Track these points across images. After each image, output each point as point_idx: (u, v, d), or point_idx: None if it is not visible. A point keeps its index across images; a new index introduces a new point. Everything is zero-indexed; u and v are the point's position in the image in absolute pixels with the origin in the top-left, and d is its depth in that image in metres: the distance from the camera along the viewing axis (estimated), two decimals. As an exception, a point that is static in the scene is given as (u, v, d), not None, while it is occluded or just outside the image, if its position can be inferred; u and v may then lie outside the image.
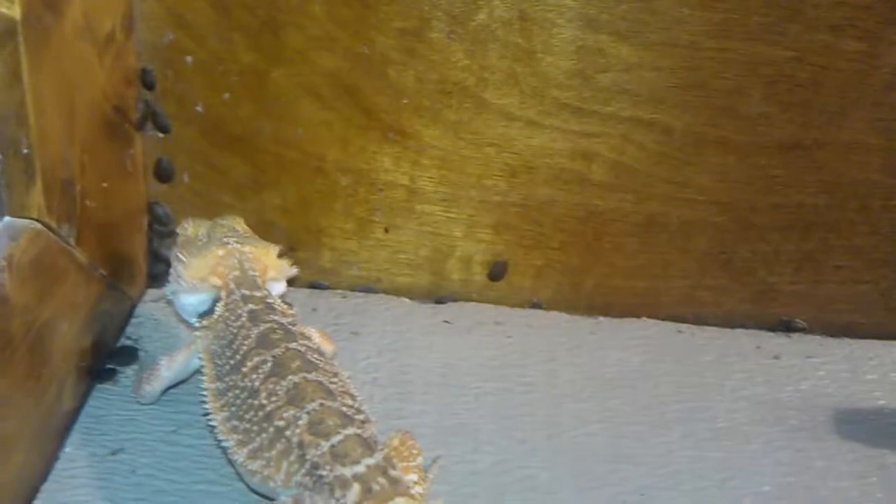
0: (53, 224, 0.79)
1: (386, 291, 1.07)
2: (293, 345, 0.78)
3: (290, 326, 0.80)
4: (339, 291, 1.07)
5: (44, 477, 0.80)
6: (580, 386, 0.98)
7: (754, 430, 0.94)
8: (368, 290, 1.07)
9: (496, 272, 1.06)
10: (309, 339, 0.81)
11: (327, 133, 0.99)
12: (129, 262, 0.99)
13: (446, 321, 1.05)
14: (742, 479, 0.88)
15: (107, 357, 0.92)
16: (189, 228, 0.89)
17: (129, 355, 0.93)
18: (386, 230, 1.04)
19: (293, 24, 0.94)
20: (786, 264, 1.05)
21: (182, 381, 0.87)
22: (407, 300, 1.07)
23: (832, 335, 1.08)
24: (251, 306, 0.81)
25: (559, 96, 0.97)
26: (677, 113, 0.98)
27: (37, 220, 0.77)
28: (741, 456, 0.91)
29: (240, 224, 0.91)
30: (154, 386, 0.86)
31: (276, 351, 0.77)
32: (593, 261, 1.06)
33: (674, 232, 1.04)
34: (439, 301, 1.07)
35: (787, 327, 1.09)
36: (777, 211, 1.03)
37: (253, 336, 0.78)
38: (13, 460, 0.74)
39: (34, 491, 0.79)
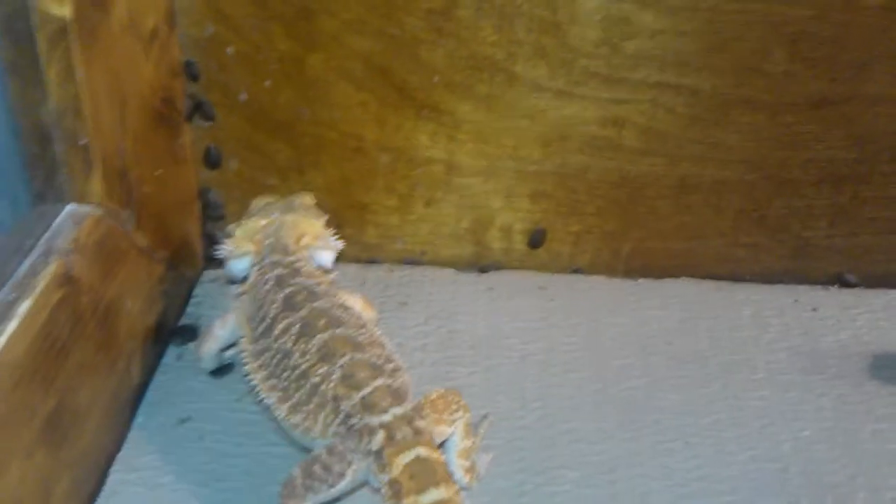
0: (113, 209, 0.84)
1: (430, 263, 1.10)
2: (317, 304, 0.81)
3: (314, 287, 0.84)
4: (385, 265, 1.10)
5: (118, 446, 0.85)
6: (622, 344, 1.01)
7: (793, 379, 0.96)
8: (414, 262, 1.10)
9: (536, 240, 1.09)
10: (334, 296, 0.84)
11: (364, 113, 1.02)
12: (186, 245, 1.04)
13: (490, 288, 1.08)
14: (782, 426, 0.91)
15: (169, 334, 0.97)
16: (254, 203, 0.94)
17: (190, 332, 0.98)
18: (427, 204, 1.07)
19: (326, 11, 0.97)
20: (820, 218, 1.06)
21: (236, 344, 0.90)
22: (451, 270, 1.10)
23: (869, 286, 1.09)
24: (279, 271, 0.85)
25: (587, 65, 0.99)
26: (704, 75, 0.99)
27: (98, 206, 0.82)
28: (780, 404, 0.93)
29: (305, 198, 0.95)
30: (210, 345, 0.91)
31: (302, 312, 0.80)
32: (629, 224, 1.08)
33: (707, 192, 1.05)
34: (482, 270, 1.10)
35: (840, 282, 1.10)
36: (808, 166, 1.04)
37: (279, 300, 0.82)
38: (88, 428, 0.79)
39: (110, 458, 0.84)
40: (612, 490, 0.83)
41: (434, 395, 0.79)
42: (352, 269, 1.08)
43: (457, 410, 0.79)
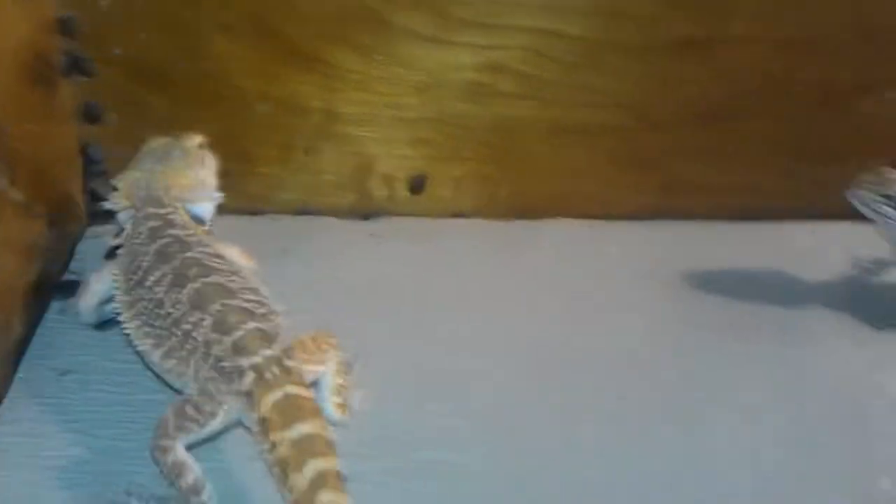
0: (-16, 166, 0.84)
1: (313, 212, 1.11)
2: (189, 254, 0.83)
3: (186, 238, 0.85)
4: (268, 215, 1.11)
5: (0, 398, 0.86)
6: (501, 282, 1.04)
7: (642, 297, 1.04)
8: (296, 211, 1.11)
9: (417, 186, 1.11)
10: (207, 246, 0.85)
11: (242, 64, 1.02)
12: (67, 201, 1.04)
13: (372, 235, 1.10)
14: (616, 326, 0.99)
15: (51, 290, 0.98)
16: (144, 146, 0.95)
17: (73, 288, 0.97)
18: (307, 153, 1.08)
19: (199, -39, 0.97)
20: (691, 157, 1.11)
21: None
22: (334, 219, 1.12)
23: (740, 219, 1.14)
24: (152, 223, 0.86)
25: (462, 14, 1.01)
26: (574, 20, 1.02)
27: (-33, 162, 0.82)
28: (625, 318, 1.01)
29: (188, 141, 0.95)
30: (88, 299, 0.91)
31: (175, 263, 0.82)
32: (507, 168, 1.10)
33: (581, 134, 1.08)
34: (365, 217, 1.12)
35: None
36: (677, 106, 1.07)
37: (151, 252, 0.83)
38: (-35, 383, 0.80)
39: (-10, 413, 0.84)
40: (484, 419, 0.87)
41: (305, 337, 0.81)
42: (235, 220, 1.07)
43: (328, 350, 0.82)
